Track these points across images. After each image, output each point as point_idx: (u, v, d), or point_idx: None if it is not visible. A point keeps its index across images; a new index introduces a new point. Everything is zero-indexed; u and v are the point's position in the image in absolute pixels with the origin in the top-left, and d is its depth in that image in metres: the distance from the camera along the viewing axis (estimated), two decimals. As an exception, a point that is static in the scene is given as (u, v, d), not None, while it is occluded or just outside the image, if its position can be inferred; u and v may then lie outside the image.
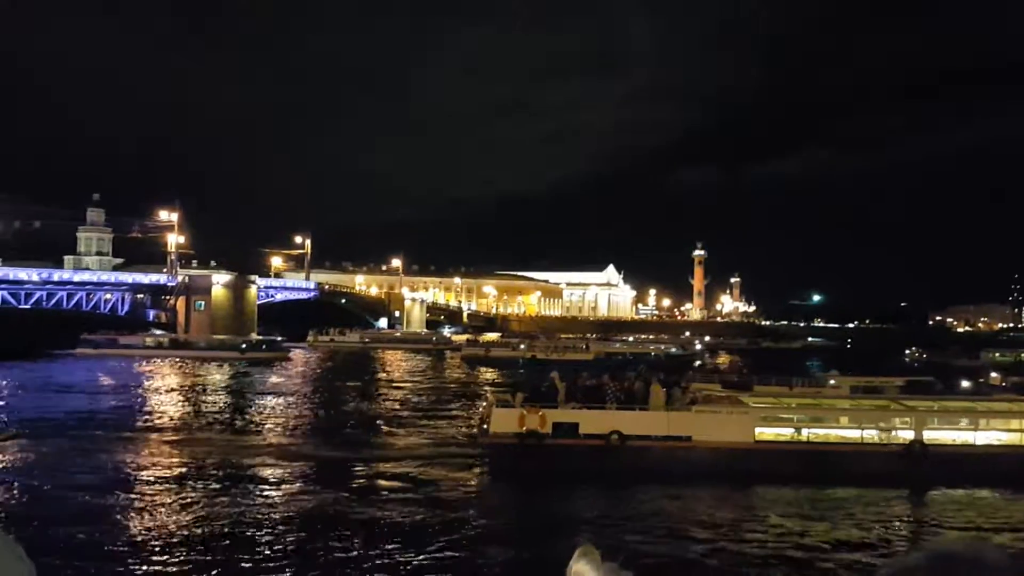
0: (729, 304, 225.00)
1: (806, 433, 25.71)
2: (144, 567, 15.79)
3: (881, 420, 26.11)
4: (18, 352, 64.28)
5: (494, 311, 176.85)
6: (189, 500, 21.01)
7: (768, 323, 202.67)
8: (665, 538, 18.43)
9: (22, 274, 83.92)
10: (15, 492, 21.65)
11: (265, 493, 22.12)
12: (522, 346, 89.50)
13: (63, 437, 29.99)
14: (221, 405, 42.27)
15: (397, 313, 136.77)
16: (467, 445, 29.23)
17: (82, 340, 74.94)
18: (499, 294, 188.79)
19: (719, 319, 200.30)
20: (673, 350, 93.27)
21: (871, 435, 25.72)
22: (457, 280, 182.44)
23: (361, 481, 23.85)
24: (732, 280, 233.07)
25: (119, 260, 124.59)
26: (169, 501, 20.87)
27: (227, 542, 17.43)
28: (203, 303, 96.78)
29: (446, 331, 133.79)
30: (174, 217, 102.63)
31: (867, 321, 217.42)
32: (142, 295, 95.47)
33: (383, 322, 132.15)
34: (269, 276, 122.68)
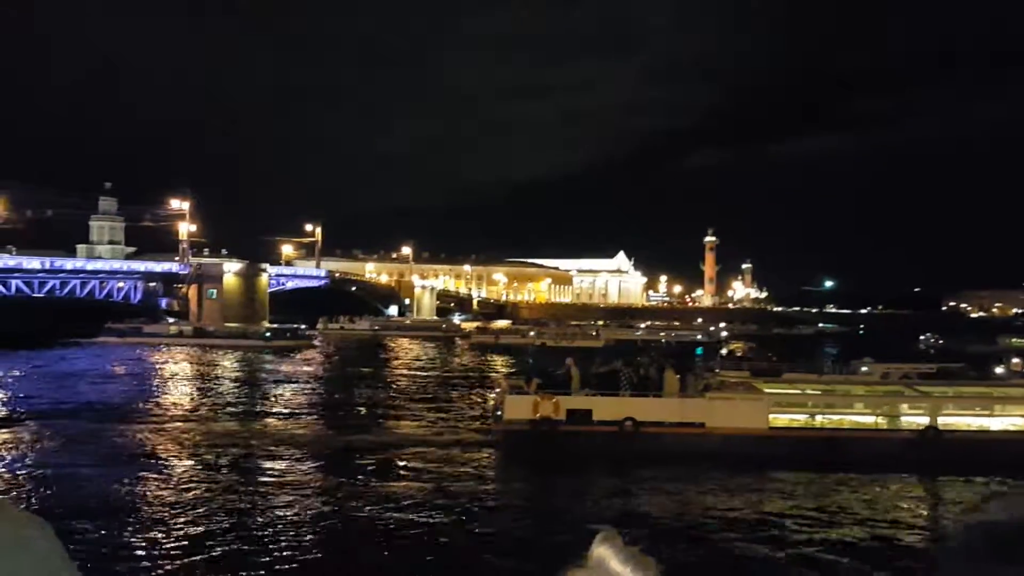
0: (741, 290, 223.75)
1: (820, 419, 25.67)
2: (153, 550, 15.94)
3: (895, 406, 26.03)
4: (33, 340, 64.80)
5: (504, 298, 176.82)
6: (206, 486, 21.18)
7: (780, 309, 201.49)
8: (677, 524, 18.47)
9: (35, 263, 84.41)
10: (28, 476, 21.92)
11: (279, 479, 22.27)
12: (532, 333, 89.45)
13: (88, 423, 30.43)
14: (240, 392, 42.60)
15: (407, 301, 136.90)
16: (481, 432, 29.32)
17: (106, 328, 75.71)
18: (509, 281, 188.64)
19: (731, 305, 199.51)
20: (699, 337, 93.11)
21: (885, 421, 25.65)
22: (467, 267, 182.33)
23: (375, 467, 23.97)
24: (744, 266, 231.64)
25: (131, 249, 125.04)
26: (187, 486, 21.05)
27: (238, 526, 17.55)
28: (215, 291, 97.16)
29: (456, 318, 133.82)
30: (185, 206, 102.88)
31: (880, 307, 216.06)
32: (154, 283, 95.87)
33: (393, 310, 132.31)
34: (280, 264, 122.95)
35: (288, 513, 18.83)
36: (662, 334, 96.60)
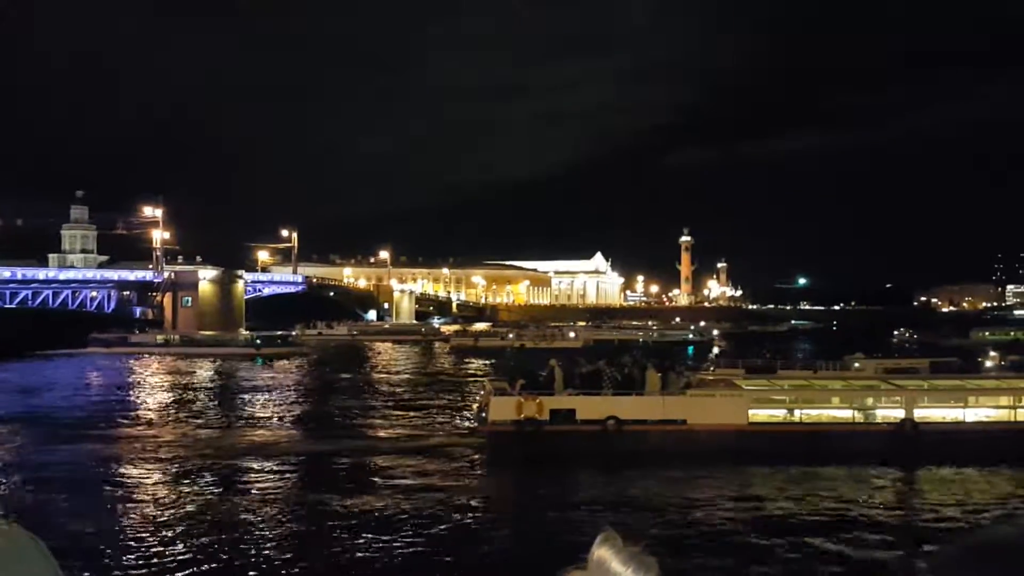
0: (716, 289, 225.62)
1: (798, 414, 26.09)
2: (136, 560, 15.87)
3: (872, 400, 26.52)
4: (12, 352, 63.44)
5: (483, 301, 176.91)
6: (189, 494, 21.09)
7: (755, 307, 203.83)
8: (660, 520, 18.70)
9: (6, 273, 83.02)
10: (16, 488, 21.69)
11: (261, 486, 22.21)
12: (511, 335, 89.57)
13: (75, 434, 30.05)
14: (221, 401, 42.17)
15: (386, 305, 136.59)
16: (466, 434, 29.42)
17: (92, 339, 74.63)
18: (488, 283, 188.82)
19: (706, 304, 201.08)
20: (690, 335, 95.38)
21: (862, 415, 26.13)
22: (445, 271, 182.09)
23: (360, 472, 23.97)
24: (719, 265, 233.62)
25: (104, 257, 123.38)
26: (167, 494, 20.94)
27: (221, 535, 17.47)
28: (190, 299, 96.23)
29: (435, 322, 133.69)
30: (158, 213, 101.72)
31: (853, 303, 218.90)
32: (128, 292, 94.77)
33: (372, 314, 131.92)
34: (256, 270, 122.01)
35: (273, 519, 18.81)
36: (640, 333, 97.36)
